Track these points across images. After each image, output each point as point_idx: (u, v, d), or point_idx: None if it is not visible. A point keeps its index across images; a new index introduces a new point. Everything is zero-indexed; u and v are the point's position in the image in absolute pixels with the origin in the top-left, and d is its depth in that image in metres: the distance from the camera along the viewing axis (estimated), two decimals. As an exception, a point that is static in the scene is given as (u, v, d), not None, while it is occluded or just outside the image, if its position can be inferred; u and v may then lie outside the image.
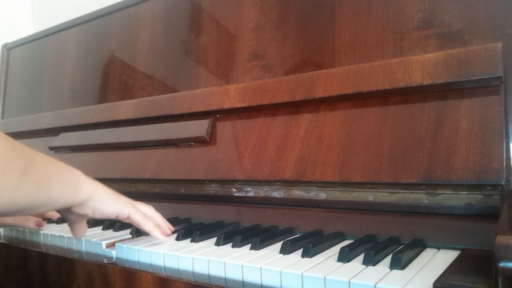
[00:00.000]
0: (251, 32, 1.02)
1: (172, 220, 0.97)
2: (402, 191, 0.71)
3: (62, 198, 0.65)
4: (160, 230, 0.76)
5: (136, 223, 0.75)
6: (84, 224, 0.78)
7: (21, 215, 0.69)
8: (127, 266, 0.71)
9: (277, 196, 0.84)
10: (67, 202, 0.66)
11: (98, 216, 0.72)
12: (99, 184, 0.71)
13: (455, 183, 0.66)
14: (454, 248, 0.65)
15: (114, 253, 0.77)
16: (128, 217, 0.74)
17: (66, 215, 0.74)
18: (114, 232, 0.89)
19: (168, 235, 0.78)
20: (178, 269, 0.68)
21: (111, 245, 0.79)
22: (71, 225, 0.77)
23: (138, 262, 0.73)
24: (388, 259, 0.59)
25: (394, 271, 0.55)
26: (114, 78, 1.32)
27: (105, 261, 0.74)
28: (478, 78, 0.69)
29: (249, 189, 0.88)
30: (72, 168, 0.68)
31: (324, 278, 0.54)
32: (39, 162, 0.62)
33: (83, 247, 0.82)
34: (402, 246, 0.65)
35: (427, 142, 0.70)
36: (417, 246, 0.65)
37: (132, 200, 0.77)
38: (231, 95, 0.97)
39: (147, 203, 1.03)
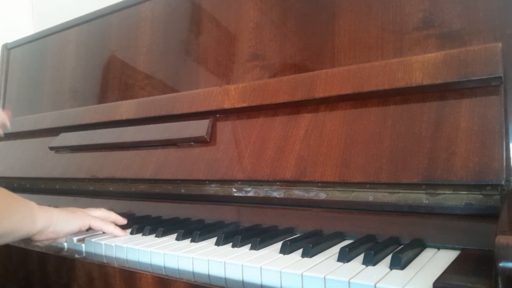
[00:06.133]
0: (251, 32, 1.02)
1: (172, 220, 0.97)
2: (402, 191, 0.71)
3: (22, 229, 0.70)
4: (120, 229, 0.84)
5: (98, 229, 0.83)
6: None
7: None
8: (127, 266, 0.71)
9: (277, 196, 0.84)
10: (26, 233, 0.71)
11: (62, 236, 0.78)
12: (54, 209, 0.77)
13: (455, 183, 0.66)
14: (454, 248, 0.65)
15: (114, 253, 0.77)
16: (90, 227, 0.81)
17: (32, 243, 0.78)
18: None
19: (125, 230, 0.86)
20: (178, 269, 0.68)
21: (112, 245, 0.79)
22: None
23: (139, 262, 0.73)
24: (388, 259, 0.59)
25: (394, 271, 0.55)
26: (114, 78, 1.32)
27: (104, 260, 0.74)
28: (478, 78, 0.69)
29: (249, 189, 0.88)
30: (27, 200, 0.72)
31: (324, 278, 0.54)
32: None
33: (83, 248, 0.82)
34: (402, 246, 0.65)
35: (427, 142, 0.70)
36: (417, 246, 0.65)
37: (84, 210, 0.84)
38: (231, 95, 0.97)
39: (147, 204, 1.04)
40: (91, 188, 1.19)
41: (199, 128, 1.00)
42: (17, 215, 0.68)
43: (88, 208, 0.86)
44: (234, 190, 0.91)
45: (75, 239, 0.84)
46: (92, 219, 0.81)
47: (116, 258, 0.77)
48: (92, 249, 0.81)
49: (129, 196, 1.10)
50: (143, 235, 0.84)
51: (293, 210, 0.83)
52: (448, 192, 0.67)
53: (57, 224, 0.75)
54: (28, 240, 0.74)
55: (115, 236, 0.83)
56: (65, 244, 0.85)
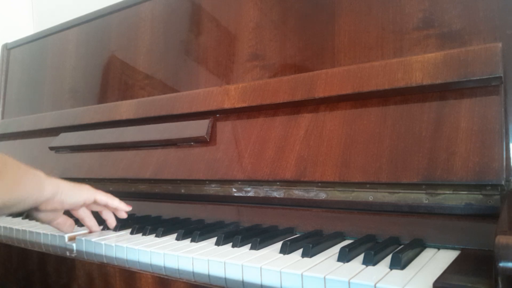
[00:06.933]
0: (251, 32, 1.02)
1: (172, 220, 0.97)
2: (402, 191, 0.71)
3: (31, 197, 0.72)
4: (124, 204, 0.88)
5: (104, 202, 0.85)
6: (64, 218, 0.84)
7: None
8: (127, 266, 0.71)
9: (277, 196, 0.84)
10: (35, 201, 0.73)
11: (67, 206, 0.80)
12: (61, 180, 0.78)
13: (455, 183, 0.66)
14: (454, 248, 0.65)
15: (114, 253, 0.77)
16: (95, 201, 0.84)
17: (38, 216, 0.79)
18: (114, 232, 0.89)
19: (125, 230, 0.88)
20: (178, 269, 0.68)
21: (112, 245, 0.79)
22: (52, 223, 0.82)
23: (139, 262, 0.73)
24: (388, 259, 0.59)
25: (394, 271, 0.55)
26: (114, 78, 1.32)
27: (104, 260, 0.74)
28: (478, 78, 0.69)
29: (249, 189, 0.88)
30: (35, 170, 0.74)
31: (324, 278, 0.54)
32: (10, 165, 0.68)
33: (84, 247, 0.82)
34: (402, 246, 0.65)
35: (427, 142, 0.70)
36: (417, 246, 0.65)
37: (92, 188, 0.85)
38: (231, 95, 0.97)
39: (147, 204, 1.03)
40: (91, 188, 1.19)
41: (199, 128, 1.00)
42: (26, 184, 0.70)
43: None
44: (234, 190, 0.91)
45: (66, 236, 0.84)
46: (98, 193, 0.83)
47: (116, 258, 0.77)
48: (92, 249, 0.81)
49: (129, 196, 1.09)
50: (143, 235, 0.84)
51: (293, 210, 0.83)
52: (448, 192, 0.67)
53: (63, 192, 0.77)
54: (34, 210, 0.76)
55: (120, 210, 0.87)
56: (65, 244, 0.85)
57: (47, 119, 1.42)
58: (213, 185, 0.94)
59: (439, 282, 0.49)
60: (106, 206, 0.87)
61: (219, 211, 0.92)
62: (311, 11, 0.94)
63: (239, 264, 0.61)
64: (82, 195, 0.81)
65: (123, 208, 0.88)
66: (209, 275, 0.64)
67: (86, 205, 0.85)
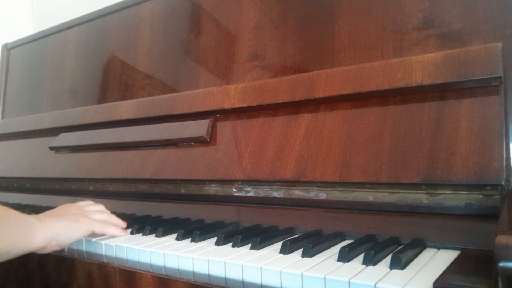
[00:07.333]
0: (251, 32, 1.02)
1: (172, 220, 0.97)
2: (402, 191, 0.71)
3: (18, 247, 0.66)
4: (121, 229, 0.84)
5: (101, 233, 0.81)
6: None
7: None
8: (127, 266, 0.71)
9: (277, 196, 0.84)
10: (25, 249, 0.67)
11: (66, 246, 0.77)
12: (54, 219, 0.73)
13: (455, 183, 0.66)
14: (454, 248, 0.65)
15: (114, 253, 0.77)
16: (93, 233, 0.80)
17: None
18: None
19: (125, 229, 0.86)
20: (178, 269, 0.68)
21: (112, 245, 0.79)
22: None
23: (139, 262, 0.73)
24: (388, 259, 0.59)
25: (394, 271, 0.55)
26: (114, 78, 1.32)
27: (104, 260, 0.74)
28: (478, 78, 0.69)
29: (249, 189, 0.88)
30: (25, 216, 0.69)
31: (324, 278, 0.54)
32: None
33: (83, 247, 0.82)
34: (402, 246, 0.65)
35: (427, 142, 0.70)
36: (417, 246, 0.65)
37: (84, 210, 0.81)
38: (231, 95, 0.97)
39: (147, 204, 1.03)
40: (91, 188, 1.19)
41: (199, 128, 1.00)
42: (9, 234, 0.64)
43: (87, 202, 0.86)
44: (234, 190, 0.91)
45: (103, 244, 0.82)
46: (95, 225, 0.79)
47: (116, 258, 0.77)
48: (92, 249, 0.81)
49: (129, 196, 1.10)
50: (143, 235, 0.84)
51: (293, 210, 0.83)
52: (448, 192, 0.67)
53: (59, 236, 0.72)
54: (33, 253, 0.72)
55: (116, 237, 0.83)
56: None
57: (47, 119, 1.42)
58: (213, 185, 0.94)
59: (439, 282, 0.49)
60: (103, 234, 0.84)
61: (219, 211, 0.92)
62: (311, 11, 0.94)
63: (239, 264, 0.61)
64: (80, 231, 0.76)
65: (120, 234, 0.84)
66: (209, 275, 0.64)
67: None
